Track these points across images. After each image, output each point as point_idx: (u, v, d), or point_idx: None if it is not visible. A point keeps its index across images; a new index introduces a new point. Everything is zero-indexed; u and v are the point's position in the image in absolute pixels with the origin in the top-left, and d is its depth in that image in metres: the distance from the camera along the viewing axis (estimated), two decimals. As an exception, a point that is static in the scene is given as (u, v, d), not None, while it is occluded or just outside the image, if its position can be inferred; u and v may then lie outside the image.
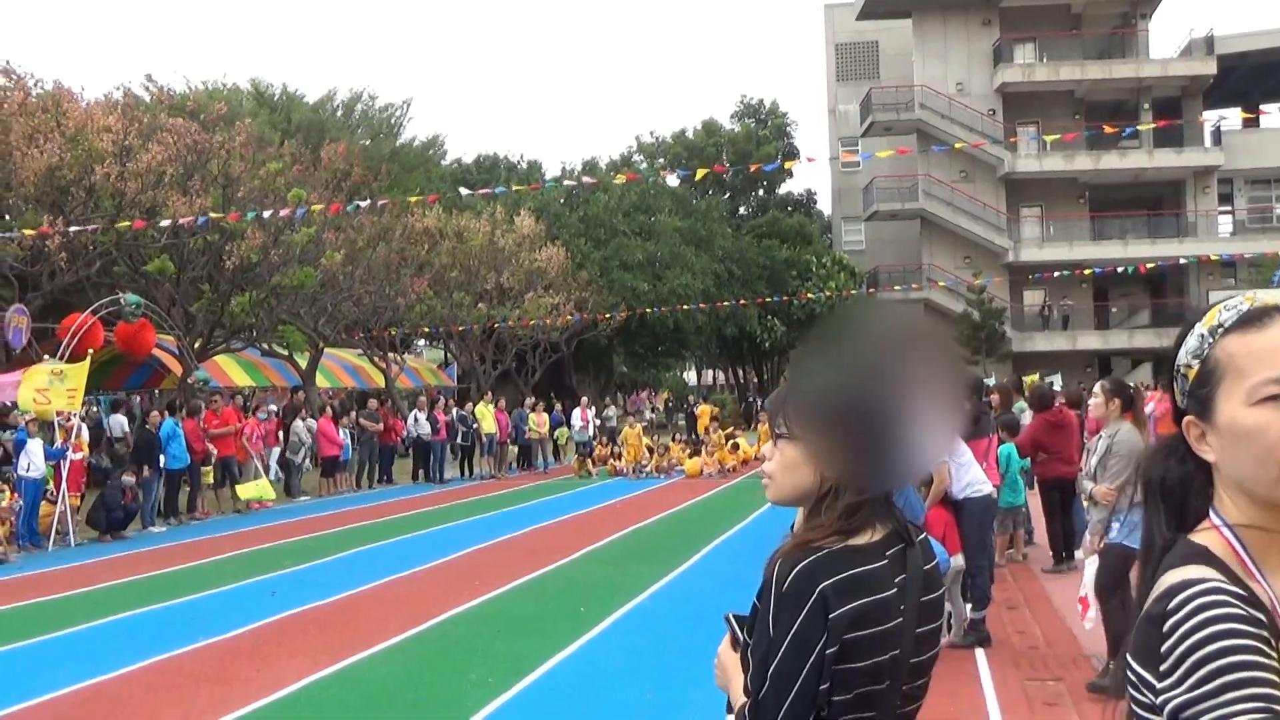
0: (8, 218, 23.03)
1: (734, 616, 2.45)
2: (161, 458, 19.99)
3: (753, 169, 39.11)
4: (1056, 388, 21.74)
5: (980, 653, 9.19)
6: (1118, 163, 51.63)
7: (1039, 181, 53.26)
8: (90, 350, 19.60)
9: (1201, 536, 1.75)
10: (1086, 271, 47.67)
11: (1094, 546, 8.16)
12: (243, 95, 52.81)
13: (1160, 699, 1.60)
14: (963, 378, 2.42)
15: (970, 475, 9.53)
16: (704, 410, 38.46)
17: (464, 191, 33.07)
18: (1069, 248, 51.92)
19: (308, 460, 25.77)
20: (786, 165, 48.77)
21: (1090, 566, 8.15)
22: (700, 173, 32.48)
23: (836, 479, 2.31)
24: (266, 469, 24.02)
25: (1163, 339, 48.51)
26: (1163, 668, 1.60)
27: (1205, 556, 1.69)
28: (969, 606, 9.54)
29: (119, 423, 25.07)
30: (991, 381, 20.58)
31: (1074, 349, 51.82)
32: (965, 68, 54.08)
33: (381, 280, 32.34)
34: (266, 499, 22.69)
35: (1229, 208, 54.72)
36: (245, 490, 22.24)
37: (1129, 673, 1.69)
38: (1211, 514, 1.77)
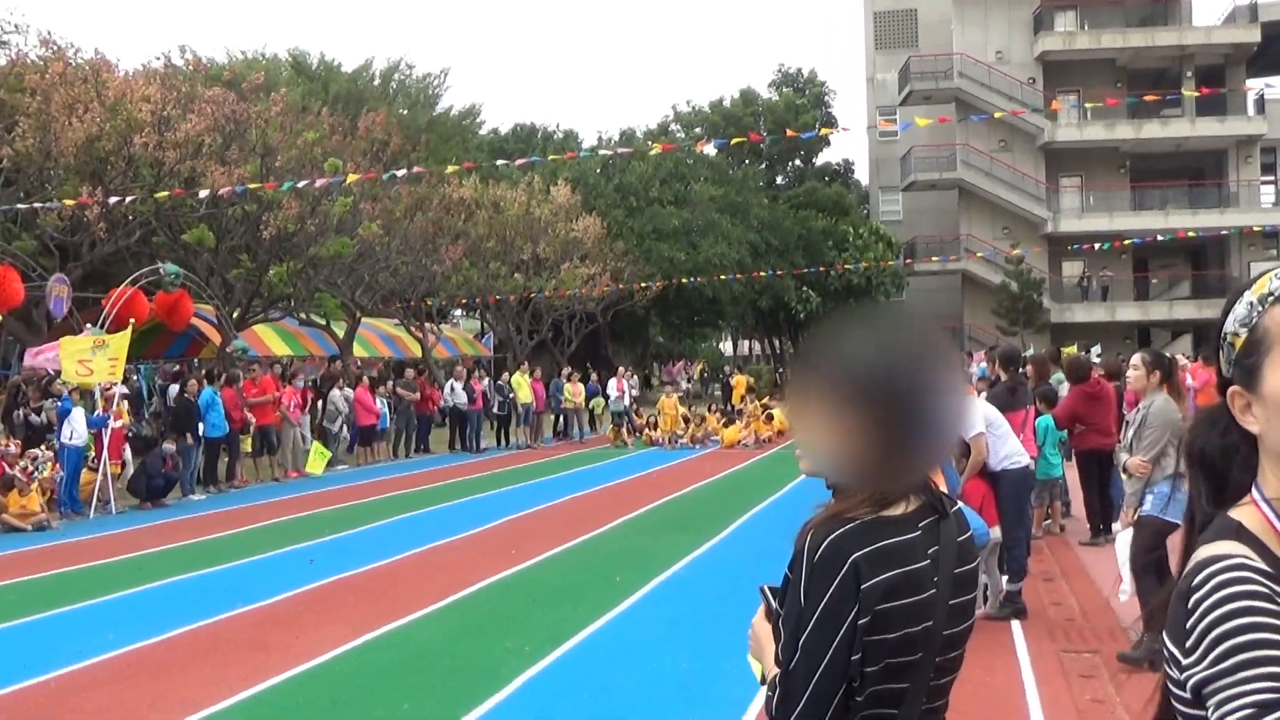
0: (48, 187, 23.17)
1: (769, 588, 2.46)
2: (200, 426, 20.15)
3: (789, 135, 38.84)
4: (1097, 359, 21.60)
5: (1016, 625, 9.16)
6: (1159, 132, 51.06)
7: (1079, 151, 52.77)
8: (132, 320, 19.74)
9: (1239, 512, 1.71)
10: (1126, 242, 47.27)
11: (1128, 519, 8.12)
12: (281, 65, 52.97)
13: (1184, 675, 1.59)
14: (960, 394, 2.33)
15: (1008, 447, 9.50)
16: (739, 381, 38.48)
17: (500, 163, 33.13)
18: (1109, 218, 51.45)
19: (345, 429, 25.91)
20: (823, 133, 48.39)
21: (1124, 539, 8.10)
22: (736, 141, 32.39)
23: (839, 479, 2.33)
24: (304, 437, 24.17)
25: (1203, 310, 48.16)
26: (1186, 644, 1.59)
27: (1238, 532, 1.66)
28: (1005, 578, 9.52)
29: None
30: (1030, 352, 20.49)
31: (1113, 320, 51.40)
32: (1005, 35, 53.59)
33: (418, 250, 32.37)
34: (326, 457, 23.20)
35: (1272, 178, 54.05)
36: (314, 465, 22.74)
37: (1164, 649, 1.67)
38: (1254, 489, 1.72)
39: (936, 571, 2.25)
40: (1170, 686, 1.66)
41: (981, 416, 9.34)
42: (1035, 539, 11.96)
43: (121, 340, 18.63)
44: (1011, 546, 9.48)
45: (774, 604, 2.41)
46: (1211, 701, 1.53)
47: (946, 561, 2.28)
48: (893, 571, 2.18)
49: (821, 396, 2.30)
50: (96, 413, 18.35)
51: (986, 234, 53.42)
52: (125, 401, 20.01)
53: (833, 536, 2.20)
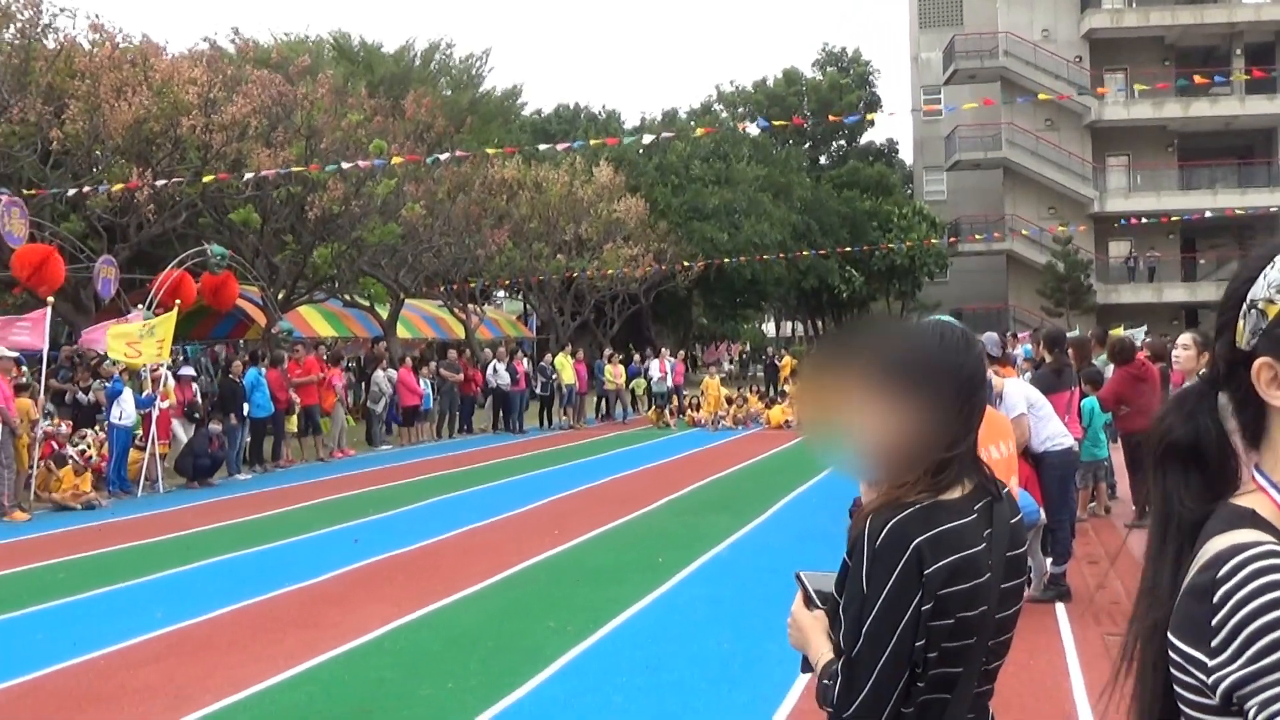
0: (96, 169, 23.38)
1: (805, 575, 2.46)
2: (245, 406, 20.31)
3: (832, 119, 38.66)
4: (1145, 340, 21.38)
5: (1060, 607, 9.13)
6: (1208, 110, 50.45)
7: (1126, 130, 52.22)
8: (177, 301, 19.92)
9: (1246, 500, 1.57)
10: (1174, 219, 46.79)
11: None
12: (324, 47, 53.12)
13: (1212, 678, 1.43)
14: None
15: (1050, 429, 9.45)
16: (787, 362, 38.38)
17: (543, 146, 33.18)
18: (1156, 198, 50.93)
19: (389, 410, 26.01)
20: (868, 117, 48.10)
21: None
22: (778, 124, 32.28)
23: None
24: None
25: (1252, 291, 47.48)
26: (1213, 643, 1.43)
27: (1253, 520, 1.52)
28: (1050, 560, 9.48)
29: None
30: (1075, 333, 20.33)
31: (1160, 301, 50.91)
32: (1051, 13, 53.03)
33: (461, 231, 32.47)
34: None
35: (1323, 156, 53.35)
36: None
37: (1173, 652, 1.52)
38: (1257, 475, 1.60)
39: (991, 555, 2.26)
40: (1184, 693, 1.51)
41: (1023, 398, 9.30)
42: (1080, 521, 11.91)
43: (167, 322, 18.81)
44: (1055, 529, 9.44)
45: (811, 591, 2.42)
46: (1253, 703, 1.38)
47: (999, 545, 2.29)
48: (953, 556, 2.19)
49: (879, 384, 2.32)
50: (145, 393, 18.55)
51: (1032, 214, 53.00)
52: (194, 383, 20.26)
53: (893, 522, 2.20)
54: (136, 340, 18.05)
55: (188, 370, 21.00)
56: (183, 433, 19.64)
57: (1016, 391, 9.30)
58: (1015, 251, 53.15)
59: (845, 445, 2.36)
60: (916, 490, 2.25)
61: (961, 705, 2.25)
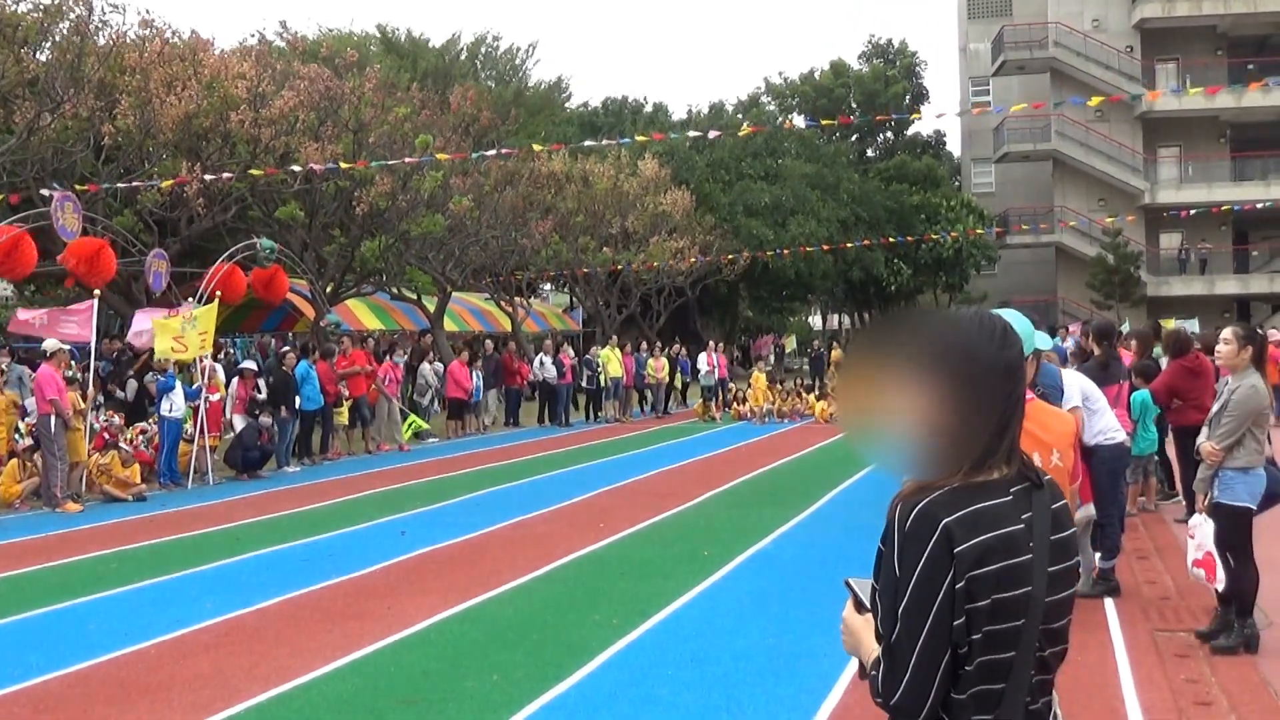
0: (148, 164, 23.57)
1: (854, 581, 2.47)
2: (297, 399, 20.41)
3: (878, 119, 38.39)
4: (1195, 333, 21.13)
5: (1110, 602, 9.06)
6: (1261, 100, 49.67)
7: (1178, 120, 51.65)
8: (218, 293, 20.03)
9: None
10: (1225, 209, 46.26)
11: (1200, 505, 7.88)
12: (370, 41, 53.42)
13: None
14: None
15: (1103, 422, 9.36)
16: (836, 354, 38.26)
17: (588, 143, 33.26)
18: (1208, 189, 50.32)
19: (435, 403, 26.08)
20: (913, 116, 47.73)
21: (1205, 529, 7.74)
22: (825, 122, 32.18)
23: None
24: (403, 412, 24.37)
25: (1306, 283, 46.96)
26: None
27: None
28: (1099, 556, 9.40)
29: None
30: (1127, 327, 20.11)
31: (1212, 293, 50.37)
32: (1102, 3, 52.54)
33: (508, 224, 32.55)
34: (421, 428, 24.03)
35: (1378, 147, 52.52)
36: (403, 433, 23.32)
37: None
38: None
39: (1031, 536, 2.26)
40: None
41: (1079, 390, 9.21)
42: (1130, 516, 11.79)
43: (209, 314, 18.89)
44: (1105, 523, 9.36)
45: (861, 596, 2.42)
46: None
47: (1041, 527, 2.29)
48: (985, 535, 2.20)
49: (917, 375, 2.32)
50: (196, 384, 18.71)
51: (1082, 206, 52.55)
52: (220, 373, 20.37)
53: (921, 505, 2.23)
54: (180, 334, 18.17)
55: (249, 364, 21.07)
56: (241, 426, 19.79)
57: (1073, 384, 9.20)
58: (1064, 244, 52.72)
59: (886, 440, 2.36)
60: (947, 475, 2.26)
61: (1018, 693, 2.24)
